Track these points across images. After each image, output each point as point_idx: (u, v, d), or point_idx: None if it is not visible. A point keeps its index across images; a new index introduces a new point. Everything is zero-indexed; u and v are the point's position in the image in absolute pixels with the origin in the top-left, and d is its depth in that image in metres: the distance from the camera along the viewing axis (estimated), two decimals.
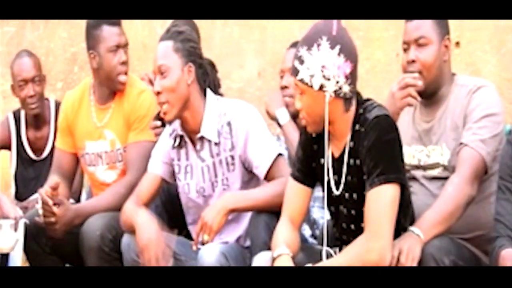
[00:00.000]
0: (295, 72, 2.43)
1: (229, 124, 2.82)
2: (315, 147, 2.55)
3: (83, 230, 2.96)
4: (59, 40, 4.34)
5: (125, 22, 4.16)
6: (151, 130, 3.07)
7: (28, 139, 3.84)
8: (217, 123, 2.82)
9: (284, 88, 3.13)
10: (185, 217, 2.97)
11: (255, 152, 2.79)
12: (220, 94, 2.94)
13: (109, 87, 3.21)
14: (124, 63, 3.16)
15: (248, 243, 2.80)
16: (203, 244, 2.69)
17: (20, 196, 3.81)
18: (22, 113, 3.82)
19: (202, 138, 2.84)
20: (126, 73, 3.18)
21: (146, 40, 4.12)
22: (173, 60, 2.78)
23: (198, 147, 2.85)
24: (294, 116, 3.09)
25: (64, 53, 4.33)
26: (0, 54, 4.38)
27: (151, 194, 2.90)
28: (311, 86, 2.40)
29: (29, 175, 3.76)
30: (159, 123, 3.04)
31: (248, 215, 2.79)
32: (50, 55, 4.35)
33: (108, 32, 3.15)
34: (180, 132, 2.87)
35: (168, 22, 3.95)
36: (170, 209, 3.01)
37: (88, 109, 3.25)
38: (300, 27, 3.76)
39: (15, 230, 3.00)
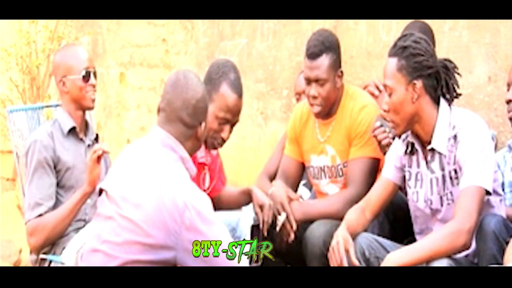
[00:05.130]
0: None
1: (455, 137, 2.73)
2: None
3: (306, 235, 3.02)
4: (286, 50, 4.44)
5: (348, 30, 4.16)
6: (371, 133, 3.06)
7: None
8: (447, 135, 2.74)
9: (509, 102, 2.91)
10: (413, 226, 2.92)
11: (466, 171, 2.65)
12: (457, 94, 2.81)
13: None
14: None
15: (476, 260, 2.67)
16: None
17: None
18: None
19: (432, 149, 2.78)
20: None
21: (370, 47, 4.08)
22: (397, 80, 2.73)
23: (428, 158, 2.80)
24: None
25: (290, 62, 4.43)
26: None
27: (382, 199, 2.88)
28: None
29: None
30: (378, 123, 3.01)
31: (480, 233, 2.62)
32: (277, 64, 4.47)
33: None
34: (411, 139, 2.84)
35: (393, 26, 3.90)
36: (392, 218, 2.97)
37: (313, 123, 3.31)
38: None
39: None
